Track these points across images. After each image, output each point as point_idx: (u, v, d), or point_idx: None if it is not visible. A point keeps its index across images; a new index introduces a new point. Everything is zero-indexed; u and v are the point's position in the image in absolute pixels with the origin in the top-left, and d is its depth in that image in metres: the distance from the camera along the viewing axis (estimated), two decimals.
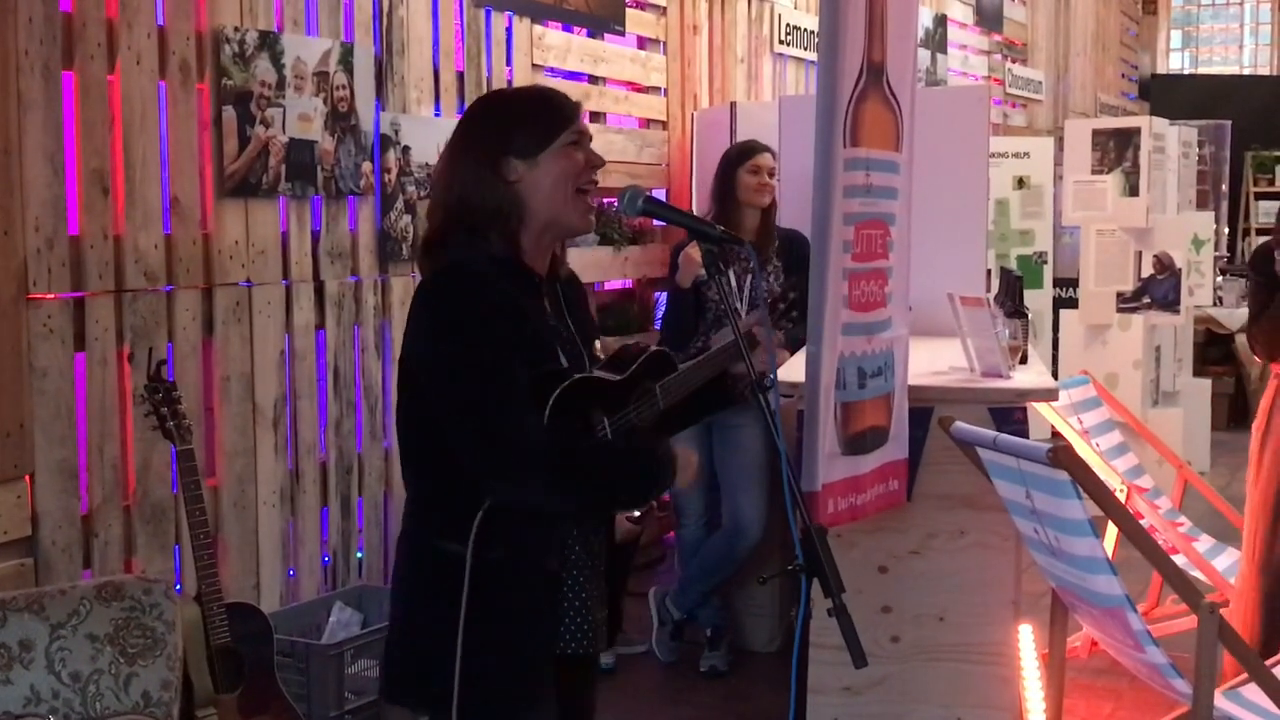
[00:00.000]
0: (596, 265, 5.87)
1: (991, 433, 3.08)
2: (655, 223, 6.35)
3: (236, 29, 4.03)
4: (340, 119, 4.41)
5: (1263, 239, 4.21)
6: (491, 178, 2.30)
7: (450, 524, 2.30)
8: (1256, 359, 4.23)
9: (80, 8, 3.59)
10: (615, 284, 6.30)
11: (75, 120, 3.59)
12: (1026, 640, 3.71)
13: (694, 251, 4.55)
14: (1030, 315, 4.07)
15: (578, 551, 2.40)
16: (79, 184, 3.61)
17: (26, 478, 3.45)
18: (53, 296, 3.52)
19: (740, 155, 4.87)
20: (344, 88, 4.42)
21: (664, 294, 5.55)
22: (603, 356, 2.53)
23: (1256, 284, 4.19)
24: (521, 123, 2.34)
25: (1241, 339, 9.19)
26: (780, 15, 7.72)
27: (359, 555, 4.62)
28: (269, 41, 4.13)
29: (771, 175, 4.85)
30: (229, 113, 4.01)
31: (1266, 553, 4.15)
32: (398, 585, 2.45)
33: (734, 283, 4.72)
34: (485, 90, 5.13)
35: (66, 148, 3.56)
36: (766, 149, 4.90)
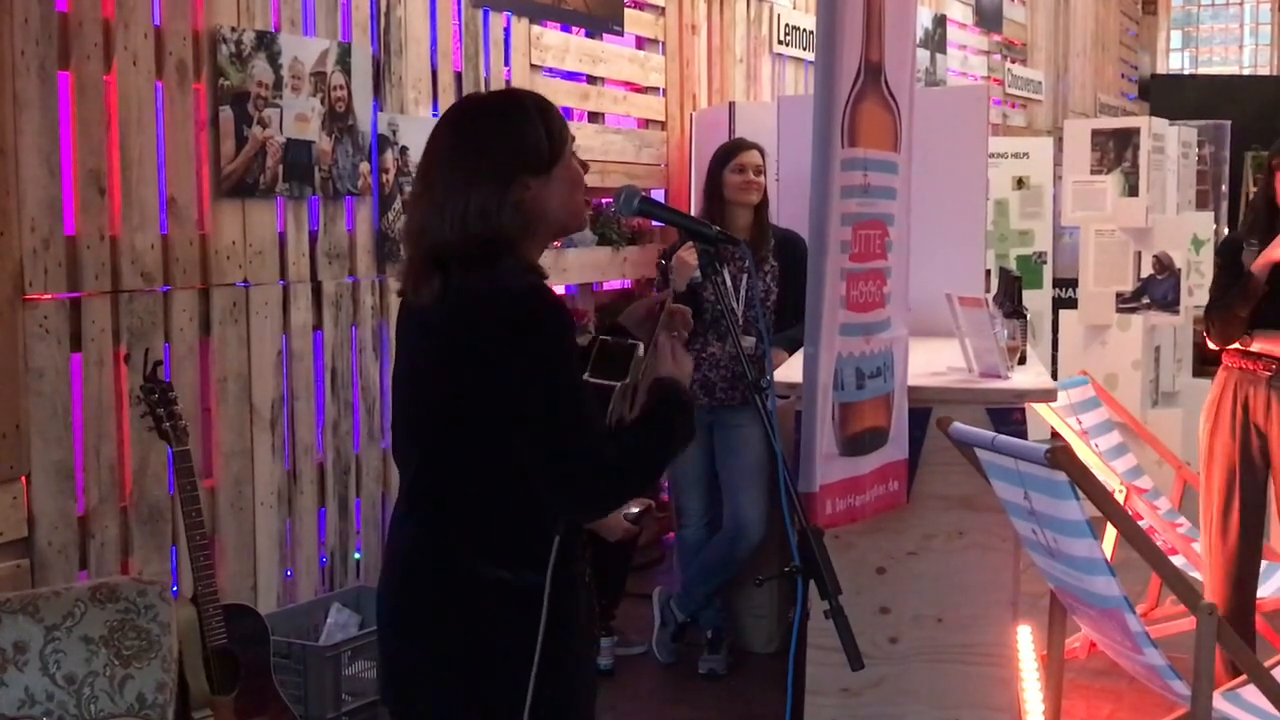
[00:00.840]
0: (595, 265, 5.86)
1: (990, 433, 3.07)
2: (653, 223, 6.34)
3: (233, 29, 4.02)
4: (338, 119, 4.40)
5: None
6: (512, 198, 2.23)
7: (515, 551, 2.22)
8: (1210, 344, 4.32)
9: (76, 8, 3.58)
10: (614, 284, 6.30)
11: (71, 120, 3.59)
12: (1025, 641, 3.70)
13: (687, 254, 4.55)
14: (1029, 316, 4.06)
15: (588, 557, 2.39)
16: (75, 184, 3.60)
17: (22, 479, 3.44)
18: (49, 297, 3.52)
19: (725, 154, 4.86)
20: (341, 88, 4.41)
21: None
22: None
23: (1219, 269, 4.31)
24: (537, 135, 2.27)
25: None
26: (779, 15, 7.71)
27: (357, 556, 4.62)
28: (266, 42, 4.12)
29: (758, 173, 4.81)
30: (226, 113, 4.00)
31: (1223, 539, 4.24)
32: (423, 619, 2.28)
33: (729, 283, 4.71)
34: (484, 90, 5.12)
35: (63, 148, 3.55)
36: (753, 147, 4.86)
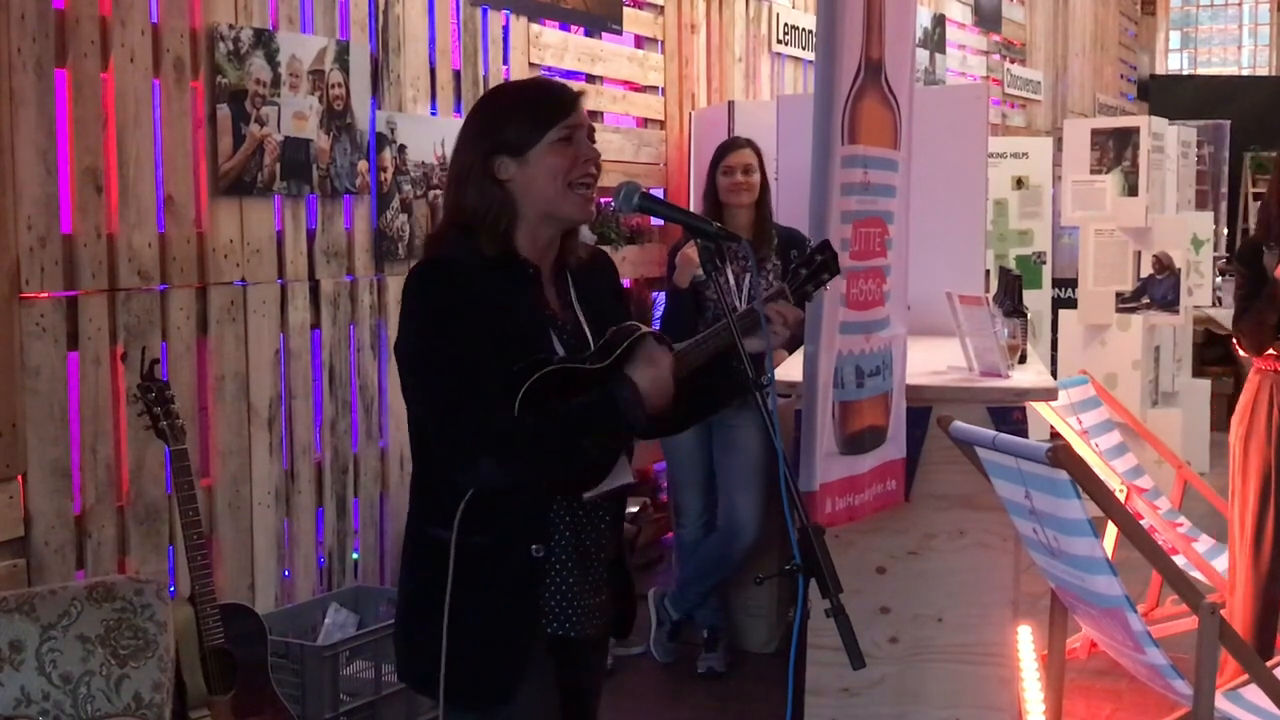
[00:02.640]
0: None
1: (991, 432, 3.06)
2: (653, 222, 6.33)
3: (231, 26, 4.00)
4: (336, 117, 4.39)
5: None
6: (482, 177, 2.33)
7: (437, 510, 2.35)
8: (1241, 354, 4.24)
9: (73, 5, 3.57)
10: None
11: (68, 118, 3.57)
12: (1026, 641, 3.69)
13: (691, 251, 4.52)
14: (1029, 315, 4.05)
15: (566, 536, 2.39)
16: (72, 182, 3.58)
17: (19, 478, 3.43)
18: (45, 295, 3.50)
19: (715, 157, 4.83)
20: (339, 86, 4.40)
21: (662, 294, 5.53)
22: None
23: (1242, 277, 4.21)
24: (510, 120, 2.35)
25: None
26: (778, 15, 7.70)
27: (354, 556, 4.60)
28: (264, 39, 4.11)
29: (748, 172, 4.76)
30: (223, 111, 3.99)
31: (1255, 550, 4.16)
32: (401, 571, 2.53)
33: (733, 281, 4.69)
34: (482, 89, 5.11)
35: (59, 146, 3.54)
36: (744, 146, 4.81)
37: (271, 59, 4.13)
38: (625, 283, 6.25)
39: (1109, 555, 2.99)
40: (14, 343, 3.41)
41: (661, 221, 6.26)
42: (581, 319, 2.46)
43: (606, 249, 5.85)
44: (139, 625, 2.93)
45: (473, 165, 2.34)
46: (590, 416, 2.30)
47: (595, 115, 6.02)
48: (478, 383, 2.26)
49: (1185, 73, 20.62)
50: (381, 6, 4.66)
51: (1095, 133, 7.39)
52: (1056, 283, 8.56)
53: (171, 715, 3.03)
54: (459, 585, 2.32)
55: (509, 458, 2.28)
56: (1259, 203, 5.52)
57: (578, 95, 2.42)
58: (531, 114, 2.34)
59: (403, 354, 2.33)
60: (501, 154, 2.33)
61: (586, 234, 5.74)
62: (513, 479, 2.32)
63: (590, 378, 2.35)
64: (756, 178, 4.78)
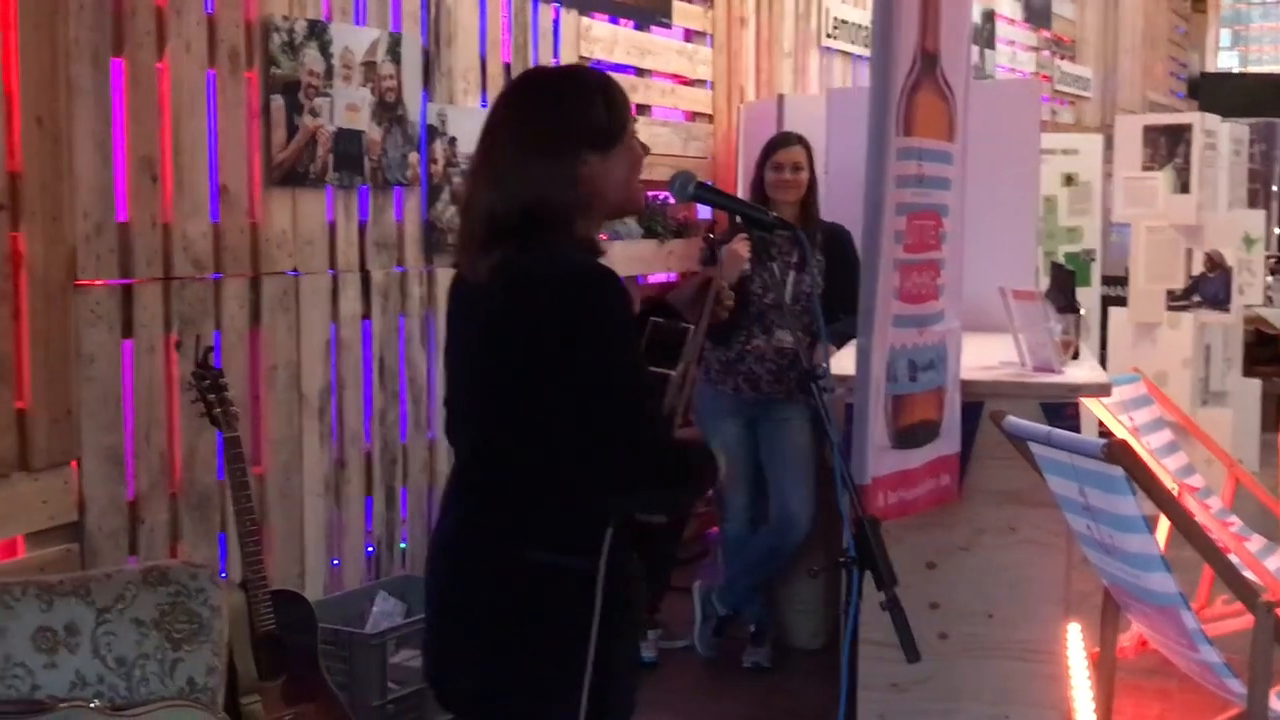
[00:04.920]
0: (640, 258, 5.85)
1: (1045, 428, 3.04)
2: (700, 215, 6.32)
3: (285, 18, 4.03)
4: (387, 109, 4.41)
5: None
6: (568, 172, 2.20)
7: (559, 534, 2.19)
8: None
9: None
10: (659, 277, 6.28)
11: (124, 107, 3.60)
12: (1075, 639, 3.66)
13: (739, 247, 4.51)
14: (1082, 311, 4.01)
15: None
16: (128, 171, 3.61)
17: (74, 463, 3.45)
18: (101, 283, 3.53)
19: (765, 152, 4.81)
20: (391, 78, 4.42)
21: None
22: None
23: None
24: (598, 111, 2.24)
25: None
26: (828, 9, 7.67)
27: (402, 546, 4.62)
28: (317, 31, 4.13)
29: (796, 170, 4.74)
30: (277, 102, 4.01)
31: None
32: (474, 597, 2.25)
33: (778, 275, 4.67)
34: None
35: (115, 135, 3.56)
36: (794, 143, 4.79)
37: (325, 50, 4.15)
38: (672, 276, 6.27)
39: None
40: (70, 330, 3.44)
41: (710, 214, 6.26)
42: None
43: (653, 242, 5.90)
44: (193, 609, 2.95)
45: (557, 160, 2.20)
46: (701, 471, 2.28)
47: (644, 109, 6.01)
48: (649, 404, 2.19)
49: (1235, 70, 20.40)
50: (433, 0, 4.68)
51: (1147, 129, 7.32)
52: (1106, 280, 8.49)
53: (223, 700, 3.05)
54: (605, 614, 2.18)
55: (671, 482, 2.22)
56: None
57: None
58: (611, 104, 2.26)
59: (572, 371, 2.12)
60: (585, 147, 2.21)
61: (634, 227, 5.77)
62: (664, 505, 2.29)
63: (673, 384, 2.34)
64: (805, 175, 4.76)
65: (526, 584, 2.20)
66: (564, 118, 2.23)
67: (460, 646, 2.28)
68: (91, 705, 2.73)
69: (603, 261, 2.21)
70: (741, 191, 6.24)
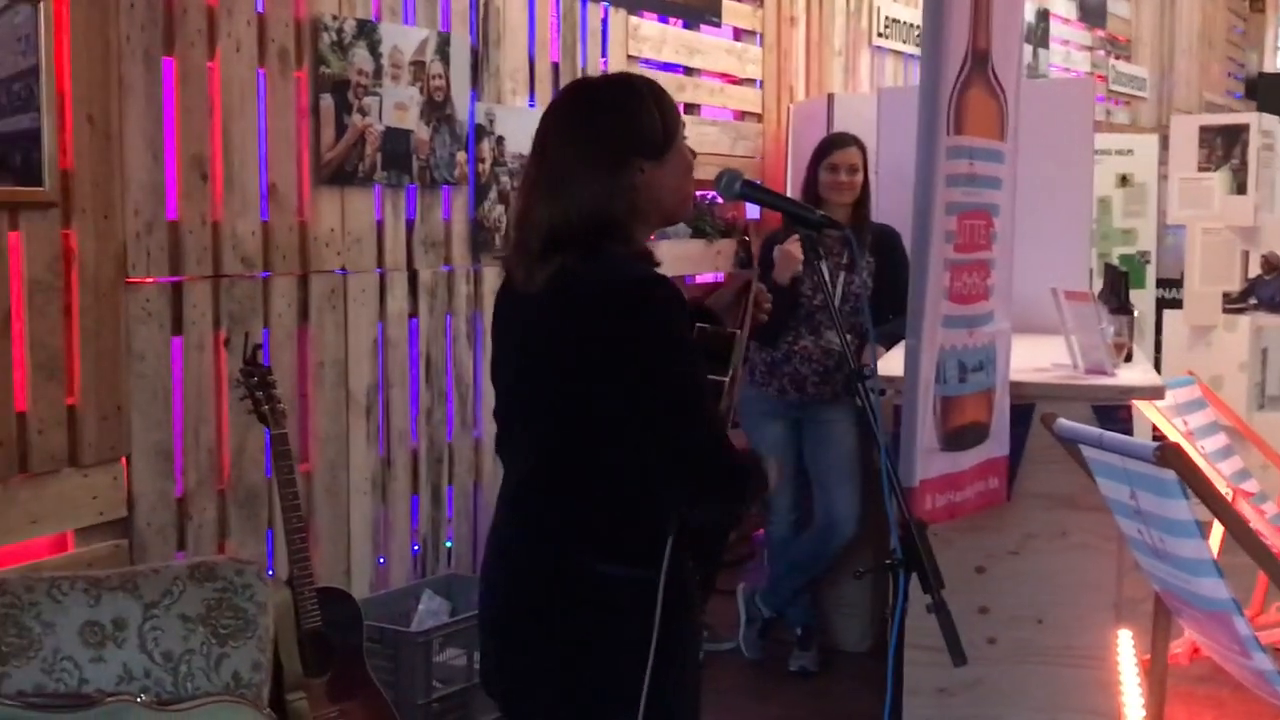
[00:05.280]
0: (688, 258, 5.83)
1: (1097, 430, 3.00)
2: (749, 215, 6.29)
3: (335, 17, 4.04)
4: (436, 108, 4.41)
5: None
6: (625, 181, 2.20)
7: (623, 546, 2.20)
8: None
9: None
10: (707, 277, 6.26)
11: (175, 106, 3.62)
12: (1126, 645, 3.61)
13: (793, 247, 4.48)
14: (1136, 312, 3.96)
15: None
16: (178, 169, 3.63)
17: (123, 459, 3.48)
18: (151, 280, 3.55)
19: (819, 152, 4.76)
20: (440, 77, 4.42)
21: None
22: None
23: None
24: (651, 120, 2.23)
25: None
26: (879, 8, 7.63)
27: (448, 544, 4.63)
28: (367, 30, 4.14)
29: (853, 172, 4.69)
30: (326, 101, 4.03)
31: None
32: (534, 605, 2.25)
33: (827, 275, 4.64)
34: None
35: (166, 133, 3.59)
36: (850, 144, 4.75)
37: (374, 50, 4.17)
38: (719, 276, 6.25)
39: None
40: (120, 327, 3.46)
41: (757, 215, 6.24)
42: None
43: (701, 242, 5.88)
44: (239, 605, 2.96)
45: (612, 169, 2.19)
46: (757, 479, 2.27)
47: (692, 108, 6.00)
48: (712, 412, 2.18)
49: None
50: None
51: (1203, 130, 7.24)
52: (1161, 283, 8.38)
53: (269, 696, 3.06)
54: (665, 624, 2.17)
55: (737, 492, 2.22)
56: None
57: None
58: (663, 112, 2.25)
59: (632, 381, 2.12)
60: (641, 156, 2.21)
61: (681, 226, 5.75)
62: (727, 513, 2.32)
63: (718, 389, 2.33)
64: (860, 178, 4.72)
65: (590, 594, 2.21)
66: (618, 128, 2.22)
67: (522, 656, 2.29)
68: (138, 699, 2.74)
69: (655, 270, 2.20)
70: (791, 191, 6.22)
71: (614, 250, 2.19)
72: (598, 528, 2.21)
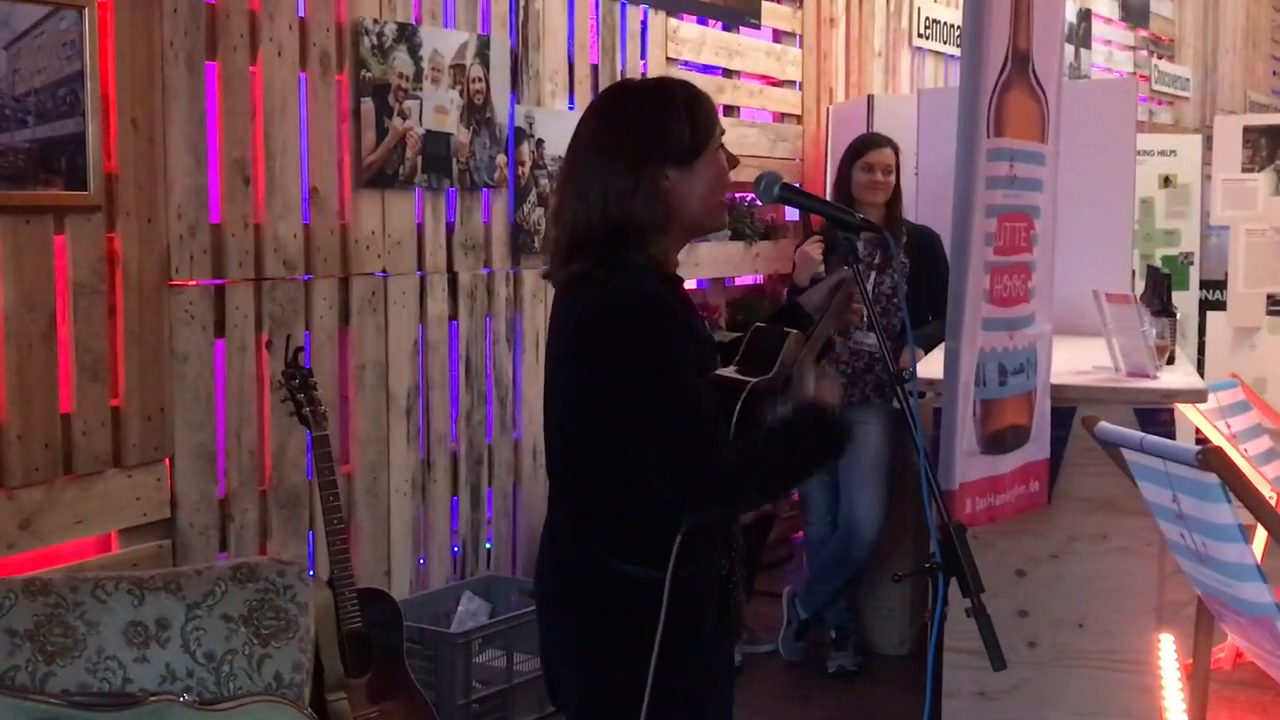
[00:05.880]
0: (727, 260, 5.83)
1: (1139, 434, 2.98)
2: (788, 217, 6.29)
3: (376, 21, 4.06)
4: (475, 111, 4.43)
5: None
6: (648, 187, 2.20)
7: (637, 546, 2.23)
8: None
9: None
10: (746, 279, 6.26)
11: (218, 110, 3.65)
12: (1168, 649, 3.59)
13: (811, 249, 4.48)
14: (1178, 315, 3.93)
15: (735, 550, 2.38)
16: (221, 173, 3.67)
17: (166, 461, 3.51)
18: (194, 283, 3.59)
19: (854, 151, 4.74)
20: (480, 80, 4.44)
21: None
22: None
23: None
24: (680, 127, 2.22)
25: None
26: (919, 9, 7.60)
27: (488, 546, 4.64)
28: (407, 34, 4.16)
29: (887, 173, 4.67)
30: (367, 104, 4.05)
31: None
32: (560, 597, 2.34)
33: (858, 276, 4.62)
34: None
35: (209, 137, 3.62)
36: (885, 144, 4.73)
37: (414, 53, 4.19)
38: (758, 278, 6.24)
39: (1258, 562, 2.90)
40: (164, 329, 3.50)
41: (796, 217, 6.22)
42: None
43: (740, 245, 5.87)
44: (281, 606, 2.98)
45: (637, 173, 2.19)
46: (797, 444, 2.25)
47: (731, 110, 5.99)
48: (702, 419, 2.17)
49: None
50: (522, 2, 4.69)
51: (1247, 130, 7.16)
52: (1204, 284, 8.31)
53: (310, 696, 3.08)
54: (670, 622, 2.19)
55: (746, 491, 2.24)
56: None
57: None
58: (694, 119, 2.24)
59: (608, 389, 2.16)
60: (667, 163, 2.20)
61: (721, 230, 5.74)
62: (742, 509, 2.33)
63: (768, 389, 2.33)
64: (893, 178, 4.70)
65: (602, 589, 2.26)
66: (643, 132, 2.22)
67: (554, 644, 2.38)
68: (181, 699, 2.77)
69: (653, 287, 2.20)
70: (828, 194, 6.20)
71: (629, 259, 2.20)
72: (612, 526, 2.26)
